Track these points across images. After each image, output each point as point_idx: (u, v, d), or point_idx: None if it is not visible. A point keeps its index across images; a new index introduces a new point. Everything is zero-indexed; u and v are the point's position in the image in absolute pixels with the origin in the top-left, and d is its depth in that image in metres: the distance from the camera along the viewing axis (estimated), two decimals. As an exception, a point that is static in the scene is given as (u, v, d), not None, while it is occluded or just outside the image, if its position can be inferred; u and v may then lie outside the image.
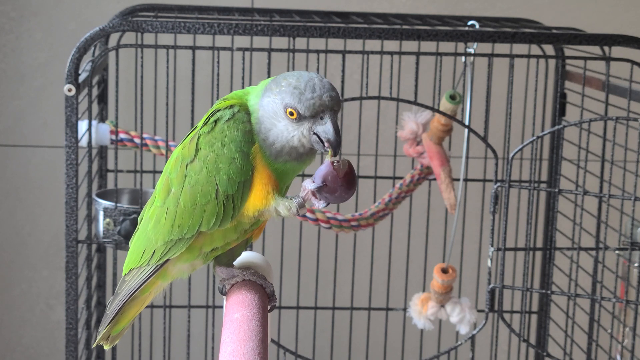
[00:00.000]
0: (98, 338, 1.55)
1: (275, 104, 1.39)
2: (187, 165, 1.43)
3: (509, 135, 2.35)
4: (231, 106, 1.43)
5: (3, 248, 2.80)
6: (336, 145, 1.38)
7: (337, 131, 1.38)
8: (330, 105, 1.38)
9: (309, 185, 1.39)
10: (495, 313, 2.15)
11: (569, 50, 2.42)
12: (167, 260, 1.47)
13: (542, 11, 2.82)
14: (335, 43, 2.63)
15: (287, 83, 1.38)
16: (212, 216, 1.42)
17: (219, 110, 1.43)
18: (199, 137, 1.43)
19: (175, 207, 1.43)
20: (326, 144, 1.38)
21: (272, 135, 1.40)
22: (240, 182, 1.41)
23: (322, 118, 1.38)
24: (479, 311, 2.37)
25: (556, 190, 2.14)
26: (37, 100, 2.74)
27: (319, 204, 1.40)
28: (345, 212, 2.32)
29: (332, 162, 1.38)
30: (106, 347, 1.58)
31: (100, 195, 2.19)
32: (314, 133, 1.39)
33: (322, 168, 1.39)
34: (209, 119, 1.44)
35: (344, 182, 1.38)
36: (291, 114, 1.38)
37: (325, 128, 1.38)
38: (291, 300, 2.64)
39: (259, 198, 1.41)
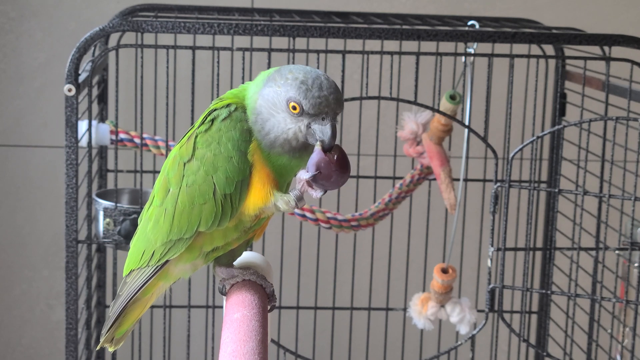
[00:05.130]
0: (102, 340, 1.55)
1: (277, 95, 1.38)
2: (184, 164, 1.42)
3: (509, 135, 2.35)
4: (228, 105, 1.43)
5: (3, 248, 2.80)
6: (328, 149, 1.38)
7: (334, 135, 1.38)
8: (334, 107, 1.38)
9: (303, 175, 1.39)
10: (495, 313, 2.15)
11: (569, 50, 2.42)
12: (167, 261, 1.47)
13: (542, 11, 2.82)
14: (335, 43, 2.63)
15: (294, 77, 1.38)
16: (210, 216, 1.42)
17: (215, 110, 1.43)
18: (196, 136, 1.43)
19: (174, 207, 1.43)
20: (319, 143, 1.38)
21: (268, 125, 1.39)
22: (238, 181, 1.40)
23: (323, 119, 1.38)
24: (479, 311, 2.36)
25: (556, 190, 2.14)
26: (37, 100, 2.74)
27: (316, 194, 1.39)
28: (345, 212, 2.32)
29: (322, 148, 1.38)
30: (110, 349, 1.58)
31: (100, 195, 2.19)
32: (310, 129, 1.38)
33: (313, 156, 1.38)
34: (206, 118, 1.43)
35: (338, 166, 1.37)
36: (294, 108, 1.37)
37: (323, 129, 1.38)
38: (291, 300, 2.64)
39: (258, 196, 1.41)
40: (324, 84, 1.37)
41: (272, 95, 1.39)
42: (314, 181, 1.38)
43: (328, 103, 1.37)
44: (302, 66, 1.40)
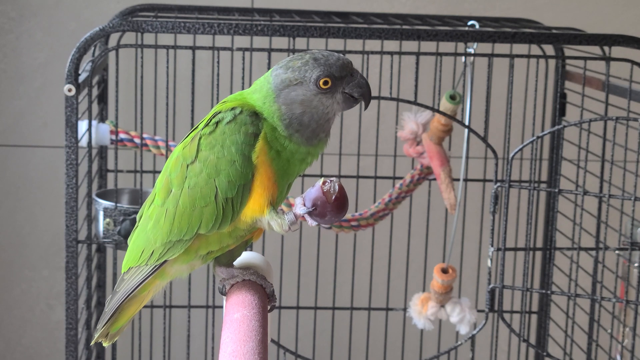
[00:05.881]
0: (96, 335, 1.55)
1: (303, 88, 1.40)
2: (187, 166, 1.43)
3: (509, 135, 2.35)
4: (233, 108, 1.43)
5: (3, 248, 2.80)
6: (369, 97, 1.43)
7: (368, 85, 1.43)
8: (349, 64, 1.42)
9: (299, 209, 1.40)
10: (495, 313, 2.15)
11: (569, 50, 2.42)
12: (166, 260, 1.47)
13: (542, 11, 2.82)
14: (335, 43, 2.63)
15: (304, 62, 1.41)
16: (211, 219, 1.42)
17: (220, 112, 1.43)
18: (200, 138, 1.42)
19: (175, 208, 1.43)
20: (357, 97, 1.42)
21: (306, 119, 1.41)
22: (240, 185, 1.40)
23: (351, 75, 1.41)
24: (479, 311, 2.36)
25: (556, 190, 2.14)
26: (37, 100, 2.74)
27: (311, 222, 1.40)
28: (345, 212, 2.31)
29: (323, 185, 1.38)
30: (105, 344, 1.58)
31: (100, 195, 2.19)
32: (346, 93, 1.42)
33: (312, 191, 1.39)
34: (211, 120, 1.43)
35: (334, 207, 1.38)
36: (325, 83, 1.40)
37: (358, 82, 1.42)
38: (291, 300, 2.64)
39: (257, 203, 1.41)
40: (324, 52, 1.42)
41: (298, 92, 1.40)
42: (308, 215, 1.40)
43: (346, 60, 1.42)
44: (296, 55, 1.43)
